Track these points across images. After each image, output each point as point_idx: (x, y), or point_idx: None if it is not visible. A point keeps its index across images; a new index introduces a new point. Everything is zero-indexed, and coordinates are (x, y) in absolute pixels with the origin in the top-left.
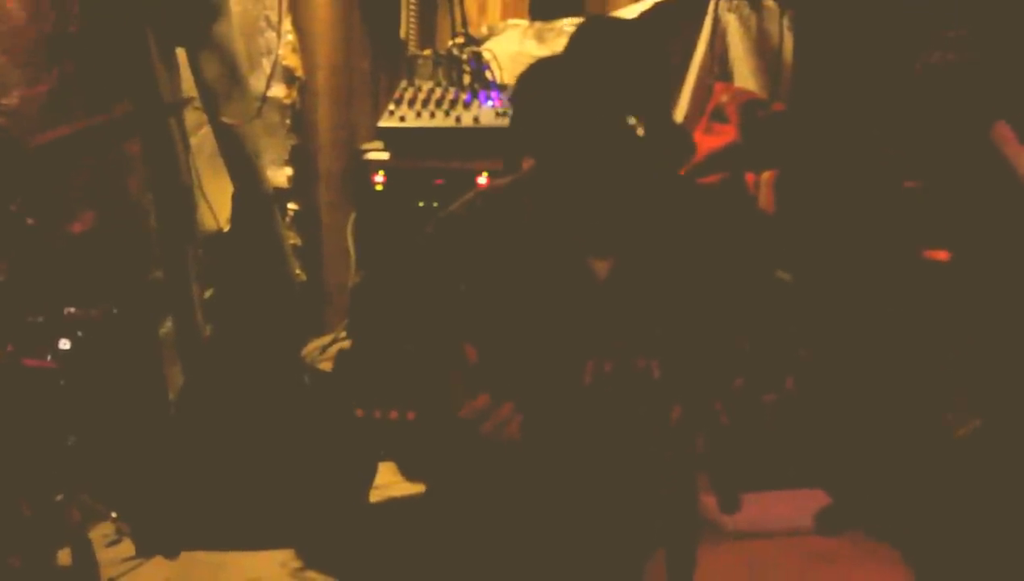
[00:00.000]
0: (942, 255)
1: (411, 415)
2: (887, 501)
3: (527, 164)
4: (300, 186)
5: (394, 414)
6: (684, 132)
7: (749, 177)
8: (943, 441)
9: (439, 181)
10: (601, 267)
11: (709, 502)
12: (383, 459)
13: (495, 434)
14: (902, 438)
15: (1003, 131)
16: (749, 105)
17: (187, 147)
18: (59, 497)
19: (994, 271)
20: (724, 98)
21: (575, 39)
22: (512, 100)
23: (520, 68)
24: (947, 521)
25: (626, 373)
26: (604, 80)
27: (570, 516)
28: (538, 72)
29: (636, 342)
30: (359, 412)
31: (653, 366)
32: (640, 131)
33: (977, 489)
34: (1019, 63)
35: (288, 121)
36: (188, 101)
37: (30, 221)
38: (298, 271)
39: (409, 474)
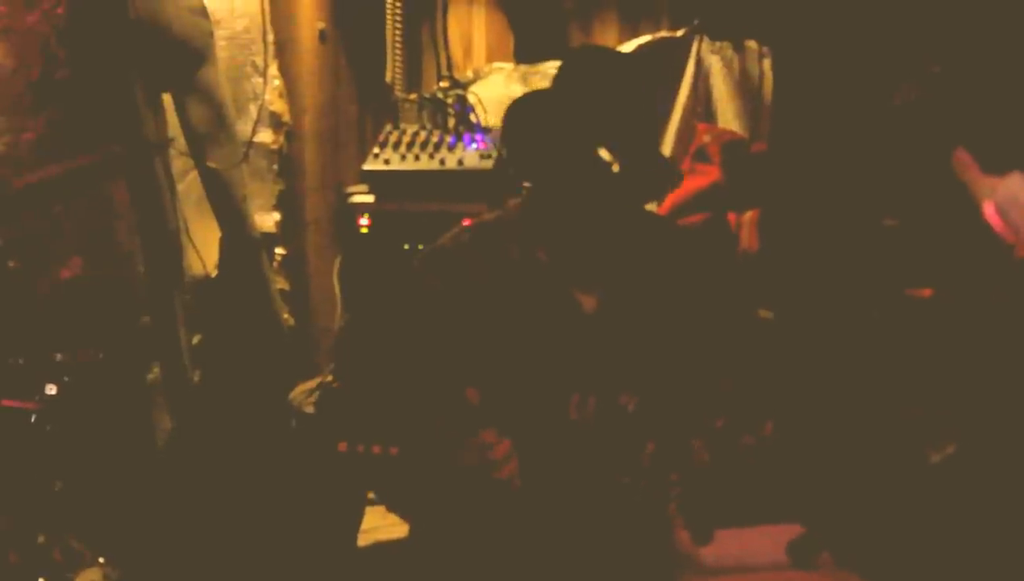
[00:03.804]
0: (925, 293)
1: (394, 450)
2: (863, 534)
3: (512, 202)
4: (288, 230)
5: (377, 449)
6: (668, 162)
7: (731, 217)
8: (920, 473)
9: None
10: (588, 301)
11: (685, 537)
12: (370, 503)
13: (498, 468)
14: (881, 472)
15: (962, 157)
16: (731, 145)
17: (174, 192)
18: (41, 540)
19: (974, 305)
20: (707, 138)
21: (564, 70)
22: (503, 133)
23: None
24: (923, 554)
25: (609, 408)
26: (590, 112)
27: (551, 552)
28: (527, 105)
29: (620, 378)
30: (342, 446)
31: (633, 401)
32: (616, 166)
33: (953, 520)
34: (989, 96)
35: (275, 166)
36: (170, 141)
37: (12, 263)
38: (286, 316)
39: (394, 509)
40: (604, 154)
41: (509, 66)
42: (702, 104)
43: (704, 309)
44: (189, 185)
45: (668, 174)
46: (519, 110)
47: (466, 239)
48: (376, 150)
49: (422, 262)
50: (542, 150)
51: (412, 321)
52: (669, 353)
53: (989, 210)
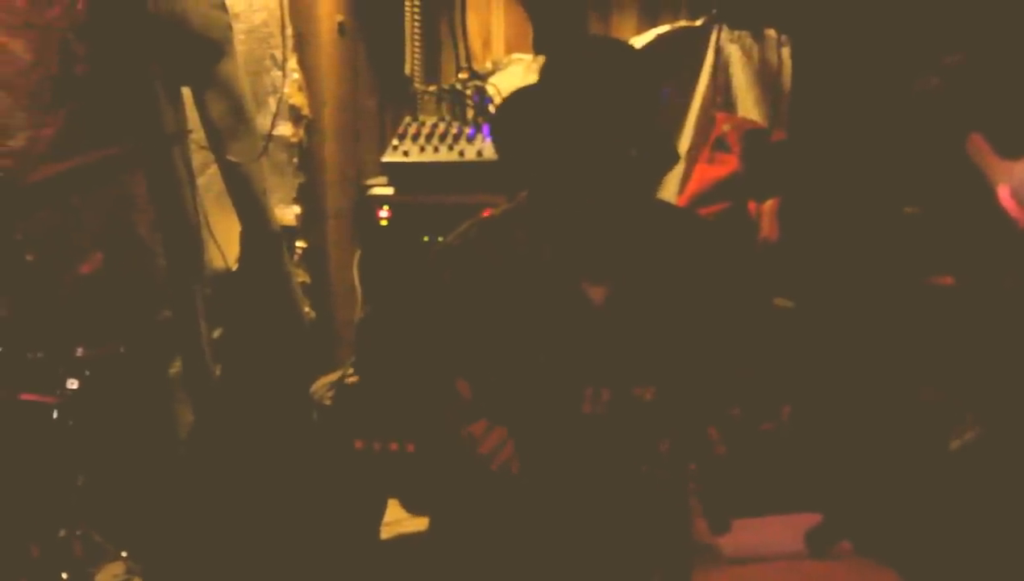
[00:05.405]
0: (946, 280)
1: (411, 447)
2: (884, 522)
3: (521, 195)
4: (308, 224)
5: (394, 446)
6: (668, 143)
7: (751, 206)
8: (939, 460)
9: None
10: (597, 294)
11: (703, 527)
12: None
13: (490, 459)
14: (901, 460)
15: (977, 141)
16: (751, 134)
17: (194, 186)
18: (62, 533)
19: (994, 291)
20: (726, 128)
21: (553, 63)
22: (495, 130)
23: None
24: (945, 542)
25: (624, 400)
26: (587, 103)
27: (568, 543)
28: (520, 100)
29: (633, 369)
30: (358, 444)
31: (648, 392)
32: (632, 152)
33: (973, 507)
34: (1006, 81)
35: (295, 159)
36: (188, 132)
37: (29, 257)
38: (307, 309)
39: (411, 508)
40: (621, 145)
41: (528, 57)
42: (721, 93)
43: (719, 298)
44: (209, 179)
45: (664, 156)
46: (507, 112)
47: (474, 234)
48: (395, 142)
49: (435, 257)
50: (532, 147)
51: (427, 316)
52: (683, 343)
53: (1004, 194)
